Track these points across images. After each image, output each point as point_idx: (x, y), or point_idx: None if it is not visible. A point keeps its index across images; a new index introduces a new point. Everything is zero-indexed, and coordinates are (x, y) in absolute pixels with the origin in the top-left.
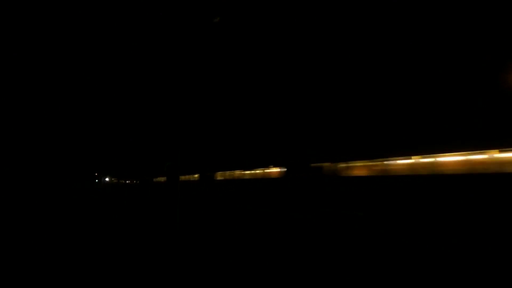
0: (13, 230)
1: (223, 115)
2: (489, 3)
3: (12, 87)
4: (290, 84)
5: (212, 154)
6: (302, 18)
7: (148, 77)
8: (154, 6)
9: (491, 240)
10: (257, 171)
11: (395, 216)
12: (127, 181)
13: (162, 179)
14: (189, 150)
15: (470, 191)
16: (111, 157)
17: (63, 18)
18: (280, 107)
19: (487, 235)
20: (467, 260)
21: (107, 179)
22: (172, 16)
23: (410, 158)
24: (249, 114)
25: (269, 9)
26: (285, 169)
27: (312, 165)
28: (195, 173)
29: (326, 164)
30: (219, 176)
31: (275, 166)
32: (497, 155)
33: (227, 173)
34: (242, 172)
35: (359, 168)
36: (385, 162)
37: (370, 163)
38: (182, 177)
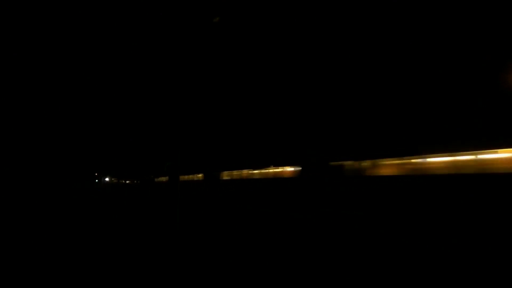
0: (13, 230)
1: (229, 112)
2: (489, 3)
3: (12, 87)
4: (302, 77)
5: (218, 153)
6: (302, 18)
7: (148, 77)
8: (154, 6)
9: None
10: (268, 171)
11: (439, 225)
12: (127, 181)
13: (164, 179)
14: (192, 149)
15: None
16: (111, 157)
17: (63, 18)
18: (292, 102)
19: None
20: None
21: (107, 179)
22: (172, 16)
23: (455, 155)
24: (257, 110)
25: (269, 9)
26: (299, 168)
27: (332, 163)
28: (198, 173)
29: (348, 163)
30: (225, 175)
31: (288, 165)
32: None
33: (234, 172)
34: (251, 172)
35: (388, 166)
36: (420, 160)
37: (401, 161)
38: (185, 177)
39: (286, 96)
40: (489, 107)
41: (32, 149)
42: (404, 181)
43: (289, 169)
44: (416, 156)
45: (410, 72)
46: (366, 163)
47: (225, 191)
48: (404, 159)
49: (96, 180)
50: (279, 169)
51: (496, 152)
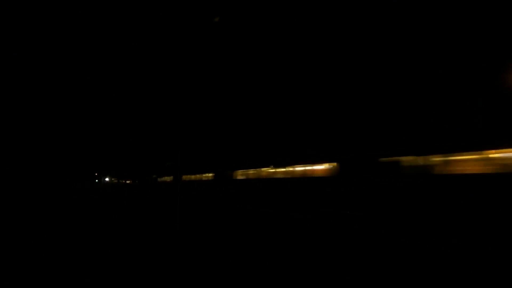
0: (13, 230)
1: (244, 107)
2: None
3: (12, 87)
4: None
5: (231, 150)
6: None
7: (148, 77)
8: (154, 6)
9: None
10: (294, 169)
11: None
12: (128, 181)
13: (168, 178)
14: (201, 146)
15: None
16: (111, 157)
17: (63, 18)
18: (324, 88)
19: None
20: None
21: (107, 179)
22: (172, 16)
23: None
24: (277, 102)
25: (269, 9)
26: (336, 165)
27: (382, 159)
28: (208, 172)
29: (407, 159)
30: (240, 175)
31: (320, 161)
32: None
33: (250, 171)
34: (272, 171)
35: (466, 163)
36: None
37: (486, 156)
38: (193, 177)
39: (312, 83)
40: None
41: (32, 149)
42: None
43: (321, 167)
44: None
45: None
46: (435, 159)
47: (239, 192)
48: (491, 153)
49: (96, 180)
50: (308, 167)
51: None
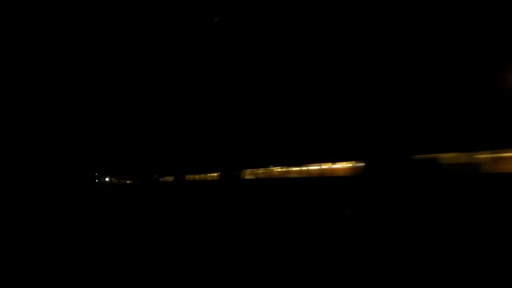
0: (13, 230)
1: (249, 102)
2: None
3: (12, 87)
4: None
5: (238, 148)
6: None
7: (148, 77)
8: (154, 6)
9: None
10: (310, 168)
11: None
12: (128, 181)
13: (170, 178)
14: (205, 145)
15: None
16: (111, 157)
17: (63, 18)
18: (344, 78)
19: None
20: None
21: (107, 179)
22: (172, 16)
23: None
24: (287, 95)
25: (269, 9)
26: (361, 164)
27: (417, 157)
28: (213, 171)
29: (449, 156)
30: (248, 174)
31: (341, 160)
32: None
33: (260, 170)
34: (285, 170)
35: None
36: None
37: None
38: (196, 176)
39: (329, 73)
40: None
41: (32, 149)
42: None
43: (342, 165)
44: None
45: None
46: (482, 156)
47: (248, 193)
48: None
49: (96, 180)
50: (326, 166)
51: None
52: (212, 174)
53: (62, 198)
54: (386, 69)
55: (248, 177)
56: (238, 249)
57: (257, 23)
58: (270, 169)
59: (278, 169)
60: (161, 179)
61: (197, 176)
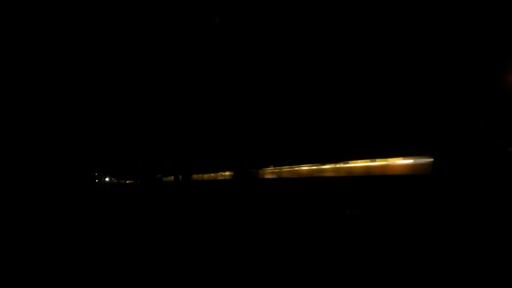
0: (13, 230)
1: (265, 92)
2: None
3: (12, 87)
4: None
5: (255, 145)
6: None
7: (148, 77)
8: (154, 6)
9: None
10: (354, 165)
11: None
12: (128, 181)
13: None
14: (216, 142)
15: None
16: (111, 157)
17: (63, 18)
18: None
19: None
20: None
21: (107, 179)
22: (172, 16)
23: None
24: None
25: (269, 9)
26: (428, 160)
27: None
28: (225, 170)
29: None
30: (269, 173)
31: (398, 154)
32: None
33: (285, 169)
34: (315, 168)
35: None
36: None
37: None
38: (205, 176)
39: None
40: None
41: (32, 149)
42: None
43: (399, 161)
44: None
45: None
46: None
47: (269, 195)
48: None
49: (96, 180)
50: (376, 163)
51: None
52: (223, 173)
53: (62, 198)
54: (386, 69)
55: (268, 176)
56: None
57: (257, 23)
58: (296, 167)
59: (306, 167)
60: (164, 179)
61: (205, 176)
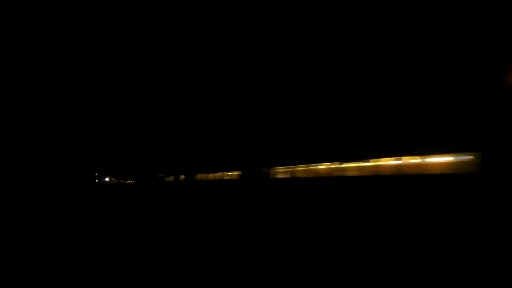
0: (13, 230)
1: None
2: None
3: (12, 87)
4: None
5: (265, 141)
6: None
7: (148, 77)
8: (154, 6)
9: None
10: (381, 163)
11: None
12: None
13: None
14: (221, 140)
15: None
16: (111, 157)
17: (62, 18)
18: None
19: None
20: None
21: (107, 179)
22: (172, 16)
23: None
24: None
25: (269, 9)
26: (475, 157)
27: None
28: (232, 169)
29: None
30: (282, 173)
31: (436, 150)
32: None
33: (299, 168)
34: (335, 166)
35: None
36: None
37: None
38: (210, 175)
39: None
40: None
41: (32, 149)
42: None
43: (438, 159)
44: None
45: None
46: None
47: (282, 196)
48: None
49: (96, 180)
50: (408, 161)
51: None
52: (230, 173)
53: (62, 198)
54: (387, 69)
55: (281, 176)
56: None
57: (257, 23)
58: (313, 166)
59: (324, 166)
60: (166, 179)
61: (210, 175)
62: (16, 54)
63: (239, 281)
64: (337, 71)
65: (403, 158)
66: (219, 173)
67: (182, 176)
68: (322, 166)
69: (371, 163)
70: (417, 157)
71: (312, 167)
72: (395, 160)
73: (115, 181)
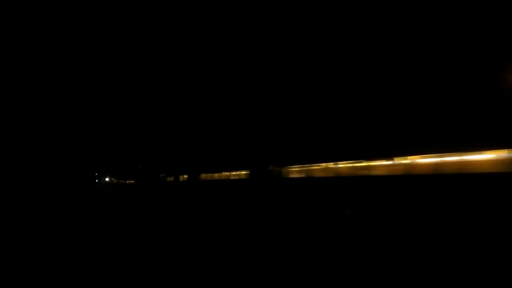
0: (13, 230)
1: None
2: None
3: (12, 87)
4: None
5: (277, 138)
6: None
7: (148, 77)
8: (154, 6)
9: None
10: (414, 161)
11: None
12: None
13: (181, 178)
14: (227, 137)
15: None
16: (111, 157)
17: (63, 18)
18: None
19: None
20: None
21: (107, 179)
22: (172, 16)
23: None
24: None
25: (269, 9)
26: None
27: None
28: (240, 169)
29: None
30: (296, 172)
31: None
32: None
33: (316, 167)
34: (359, 165)
35: None
36: None
37: None
38: (216, 175)
39: None
40: None
41: (32, 149)
42: None
43: (478, 155)
44: None
45: None
46: None
47: (296, 198)
48: None
49: (96, 180)
50: (451, 158)
51: None
52: (237, 172)
53: (62, 198)
54: (388, 69)
55: (294, 175)
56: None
57: (257, 23)
58: (333, 165)
59: (343, 165)
60: (168, 179)
61: (216, 175)
62: (16, 54)
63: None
64: (352, 67)
65: (440, 155)
66: (226, 172)
67: (184, 176)
68: (343, 165)
69: (398, 160)
70: (457, 154)
71: (332, 165)
72: (432, 157)
73: (115, 181)
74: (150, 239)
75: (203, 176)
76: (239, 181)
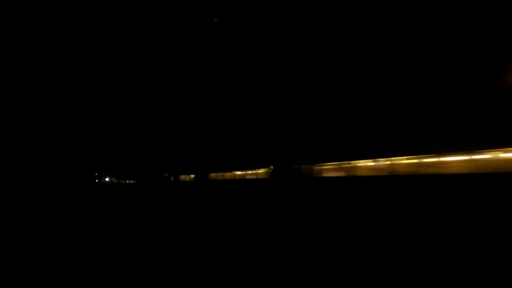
0: (14, 230)
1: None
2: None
3: (12, 87)
4: None
5: (305, 131)
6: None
7: (148, 77)
8: (154, 6)
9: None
10: (450, 159)
11: None
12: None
13: (187, 177)
14: (244, 132)
15: None
16: (111, 157)
17: (63, 18)
18: None
19: None
20: None
21: (107, 179)
22: (172, 16)
23: None
24: None
25: (269, 9)
26: None
27: None
28: (257, 167)
29: None
30: (331, 170)
31: None
32: None
33: (344, 165)
34: (404, 162)
35: None
36: None
37: None
38: (228, 174)
39: None
40: None
41: (32, 149)
42: None
43: None
44: None
45: None
46: None
47: (333, 198)
48: None
49: (96, 180)
50: (491, 155)
51: None
52: (254, 171)
53: (62, 197)
54: (388, 69)
55: (329, 174)
56: None
57: (257, 23)
58: (372, 162)
59: (403, 161)
60: (172, 179)
61: (228, 174)
62: (16, 54)
63: None
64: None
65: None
66: (240, 171)
67: (188, 176)
68: (389, 162)
69: (430, 159)
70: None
71: (383, 161)
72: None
73: (115, 181)
74: (150, 239)
75: (213, 175)
76: (256, 180)
